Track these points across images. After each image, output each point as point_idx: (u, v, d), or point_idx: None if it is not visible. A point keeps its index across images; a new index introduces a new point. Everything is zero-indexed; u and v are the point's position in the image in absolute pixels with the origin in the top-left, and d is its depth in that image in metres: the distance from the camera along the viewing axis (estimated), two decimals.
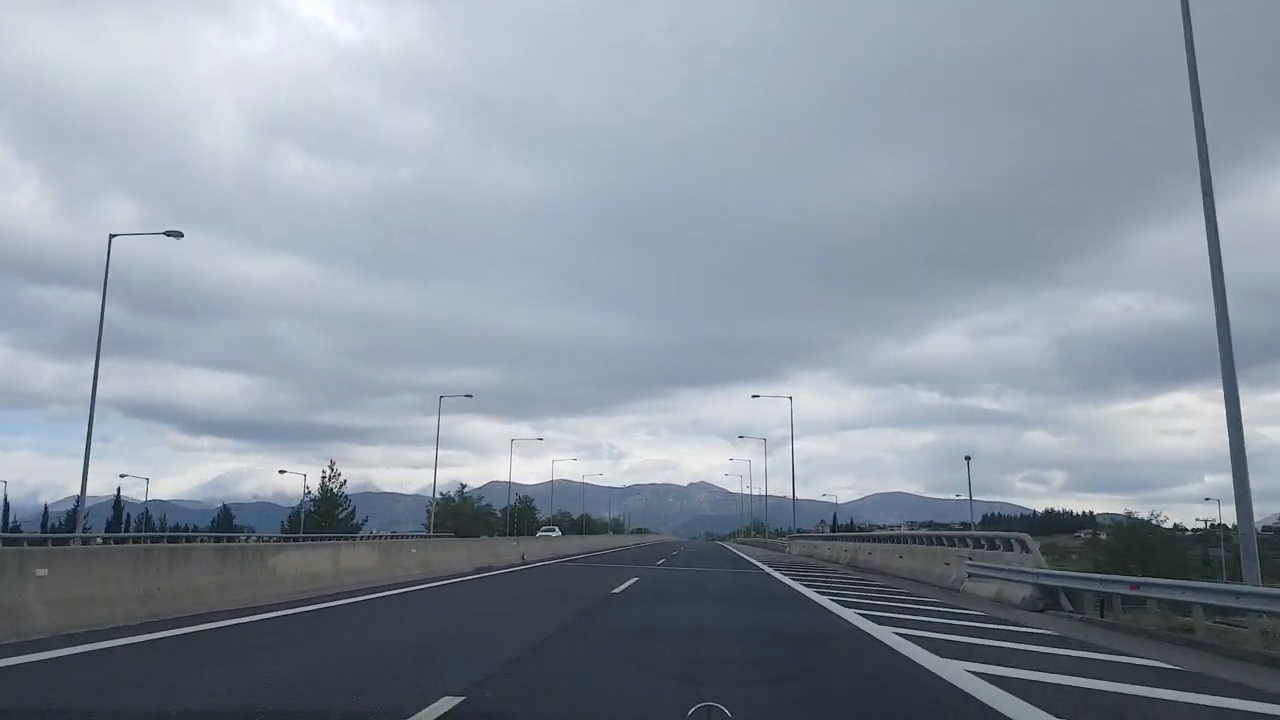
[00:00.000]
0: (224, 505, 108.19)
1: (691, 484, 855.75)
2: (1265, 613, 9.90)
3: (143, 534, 49.47)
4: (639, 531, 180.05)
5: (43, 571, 8.78)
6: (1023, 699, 6.51)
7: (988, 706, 6.29)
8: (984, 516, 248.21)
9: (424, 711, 5.48)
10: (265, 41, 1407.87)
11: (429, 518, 62.27)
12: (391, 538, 46.57)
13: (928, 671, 7.80)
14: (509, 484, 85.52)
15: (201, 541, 38.33)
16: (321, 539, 39.38)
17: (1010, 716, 6.00)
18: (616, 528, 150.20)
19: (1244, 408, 12.54)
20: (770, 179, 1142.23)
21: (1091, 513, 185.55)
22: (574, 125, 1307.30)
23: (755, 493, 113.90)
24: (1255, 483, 12.32)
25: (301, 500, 69.26)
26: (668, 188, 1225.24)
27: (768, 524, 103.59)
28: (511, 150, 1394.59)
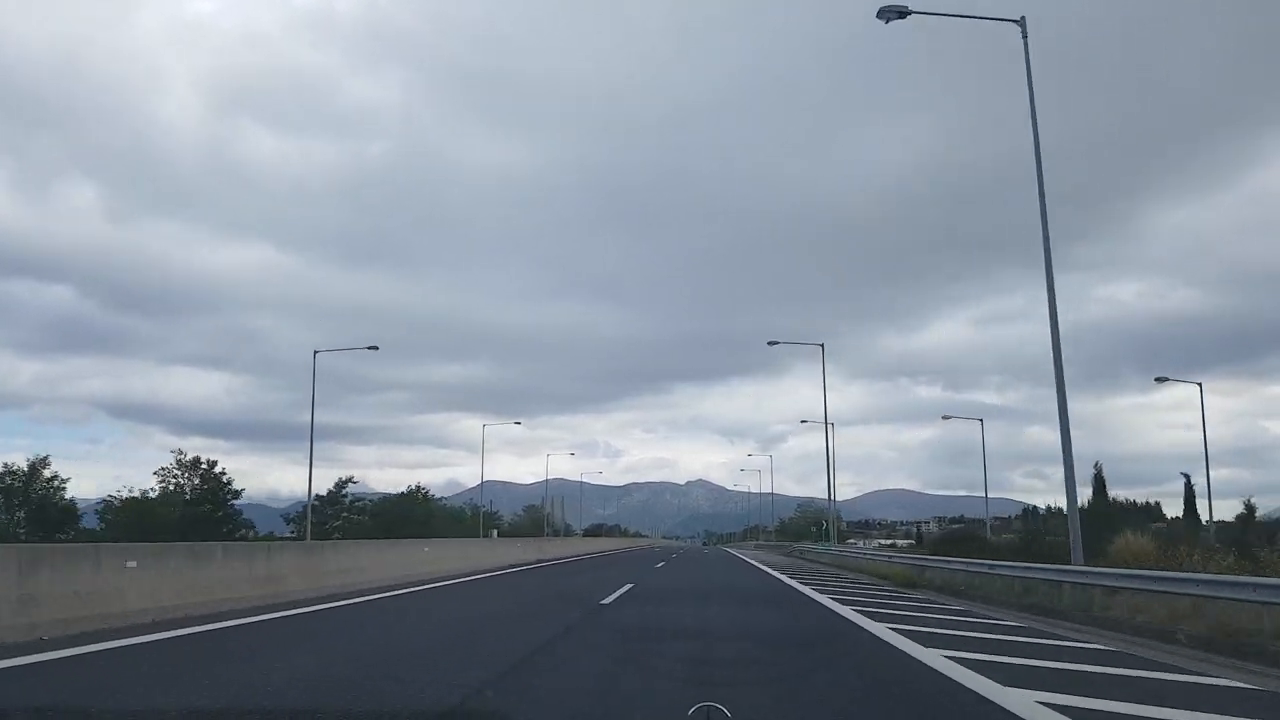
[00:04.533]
0: None
1: (689, 482, 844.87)
2: None
3: None
4: (599, 533, 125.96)
5: None
6: None
7: None
8: (1024, 510, 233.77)
9: None
10: (212, 1, 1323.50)
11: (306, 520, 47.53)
12: None
13: None
14: (432, 487, 71.45)
15: None
16: None
17: None
18: (534, 527, 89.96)
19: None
20: (770, 154, 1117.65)
21: (1157, 503, 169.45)
22: (555, 95, 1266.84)
23: (763, 491, 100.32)
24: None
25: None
26: (662, 164, 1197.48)
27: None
28: (489, 122, 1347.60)
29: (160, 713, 5.63)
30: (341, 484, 69.69)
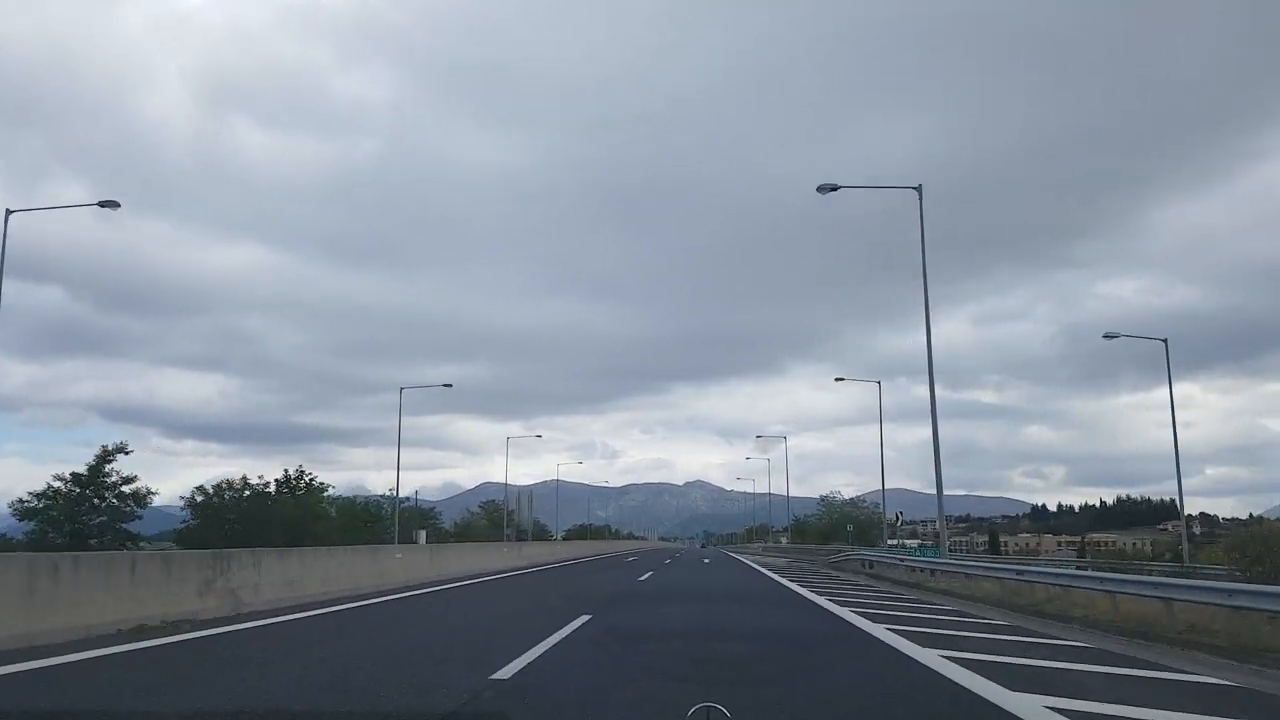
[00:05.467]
0: None
1: (687, 483, 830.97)
2: None
3: None
4: (585, 535, 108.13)
5: None
6: None
7: None
8: (1034, 507, 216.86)
9: None
10: None
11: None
12: None
13: None
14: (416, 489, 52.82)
15: None
16: None
17: None
18: (492, 529, 76.46)
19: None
20: (769, 151, 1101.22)
21: (1173, 500, 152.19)
22: (549, 90, 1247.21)
23: (770, 489, 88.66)
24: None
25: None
26: (660, 160, 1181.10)
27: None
28: (482, 118, 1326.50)
29: None
30: (105, 457, 39.50)
